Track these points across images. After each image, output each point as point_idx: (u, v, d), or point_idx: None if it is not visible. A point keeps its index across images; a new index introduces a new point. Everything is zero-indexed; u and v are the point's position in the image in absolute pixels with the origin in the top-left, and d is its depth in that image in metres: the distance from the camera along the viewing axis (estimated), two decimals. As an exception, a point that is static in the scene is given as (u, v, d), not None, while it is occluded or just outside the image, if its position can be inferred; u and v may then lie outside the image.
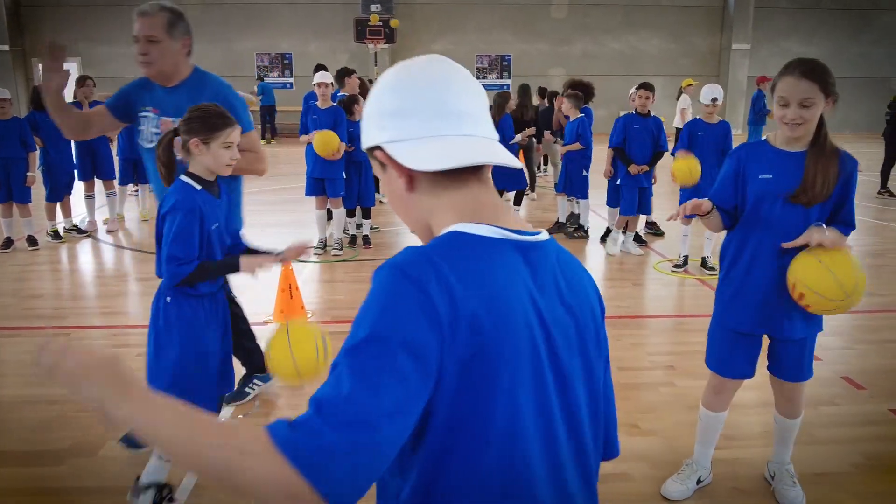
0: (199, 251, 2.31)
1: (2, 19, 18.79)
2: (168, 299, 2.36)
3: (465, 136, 0.93)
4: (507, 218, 0.95)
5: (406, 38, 19.92)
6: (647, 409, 3.33)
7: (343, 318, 4.76)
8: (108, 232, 7.34)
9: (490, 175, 0.99)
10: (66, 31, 19.71)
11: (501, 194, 7.76)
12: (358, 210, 6.90)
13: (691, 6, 20.12)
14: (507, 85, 19.48)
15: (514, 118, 9.07)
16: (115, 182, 7.58)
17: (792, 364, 2.43)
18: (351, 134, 6.38)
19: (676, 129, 12.50)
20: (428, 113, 0.92)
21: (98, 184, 7.44)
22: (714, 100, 5.46)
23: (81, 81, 7.32)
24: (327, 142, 5.88)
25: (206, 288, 2.41)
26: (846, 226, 2.29)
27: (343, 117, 6.30)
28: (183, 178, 2.34)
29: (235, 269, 2.35)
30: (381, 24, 18.14)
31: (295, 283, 4.57)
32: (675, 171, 5.09)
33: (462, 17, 20.07)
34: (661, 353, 4.02)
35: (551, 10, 20.17)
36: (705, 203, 2.33)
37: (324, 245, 6.48)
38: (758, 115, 12.62)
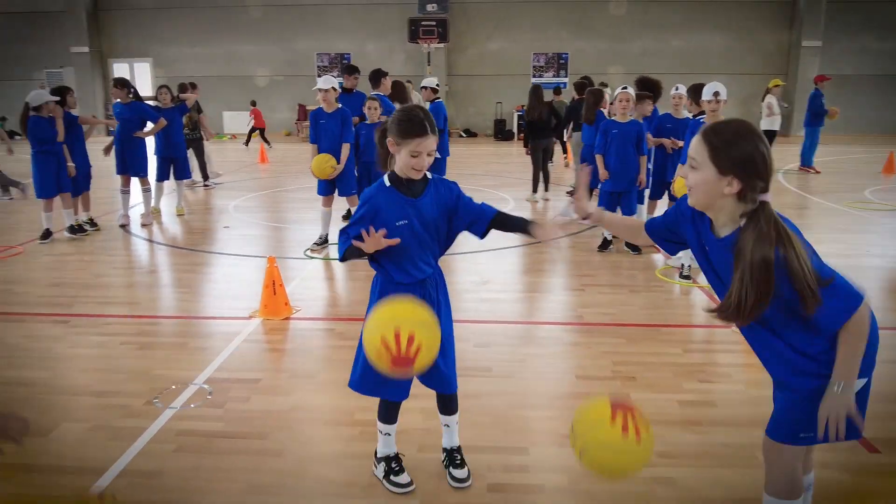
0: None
1: (82, 24, 19.99)
2: (375, 283, 2.52)
3: None
4: None
5: (461, 37, 19.97)
6: (588, 420, 3.25)
7: (330, 315, 4.86)
8: (143, 226, 7.73)
9: None
10: (138, 32, 20.82)
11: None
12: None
13: (759, 1, 19.27)
14: (565, 83, 19.24)
15: (528, 119, 9.07)
16: (150, 179, 7.97)
17: (774, 411, 2.03)
18: (363, 136, 6.49)
19: (764, 130, 12.04)
20: None
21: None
22: (716, 94, 5.23)
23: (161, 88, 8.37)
24: (321, 167, 6.10)
25: (399, 277, 2.44)
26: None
27: (349, 119, 6.40)
28: (386, 174, 2.44)
29: (359, 249, 2.30)
30: (434, 23, 18.25)
31: (279, 279, 4.70)
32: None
33: (517, 15, 19.93)
34: (629, 363, 3.90)
35: (610, 6, 19.76)
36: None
37: (324, 241, 6.60)
38: (815, 115, 11.99)
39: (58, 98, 6.92)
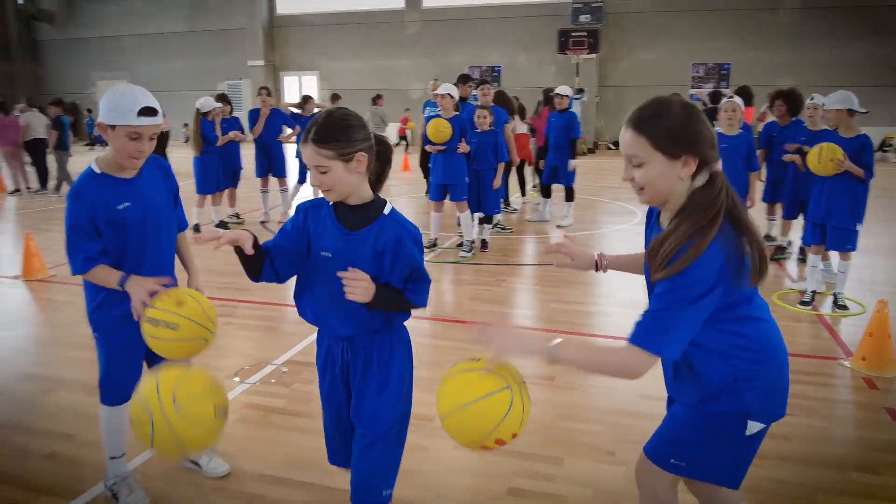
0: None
1: (259, 40, 22.11)
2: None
3: None
4: None
5: (615, 48, 19.54)
6: (635, 440, 3.09)
7: (418, 313, 5.01)
8: (279, 223, 8.41)
9: None
10: (306, 48, 22.60)
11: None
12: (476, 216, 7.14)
13: (961, 3, 16.96)
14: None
15: None
16: (288, 180, 8.67)
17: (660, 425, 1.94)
18: (474, 144, 6.62)
19: None
20: None
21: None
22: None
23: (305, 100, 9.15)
24: (438, 128, 6.28)
25: (321, 324, 2.14)
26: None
27: (466, 125, 6.56)
28: None
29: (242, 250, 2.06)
30: (584, 33, 18.04)
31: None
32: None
33: (675, 24, 19.12)
34: (704, 386, 3.66)
35: (779, 14, 18.37)
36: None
37: (433, 244, 6.80)
38: None
39: (220, 104, 7.81)
